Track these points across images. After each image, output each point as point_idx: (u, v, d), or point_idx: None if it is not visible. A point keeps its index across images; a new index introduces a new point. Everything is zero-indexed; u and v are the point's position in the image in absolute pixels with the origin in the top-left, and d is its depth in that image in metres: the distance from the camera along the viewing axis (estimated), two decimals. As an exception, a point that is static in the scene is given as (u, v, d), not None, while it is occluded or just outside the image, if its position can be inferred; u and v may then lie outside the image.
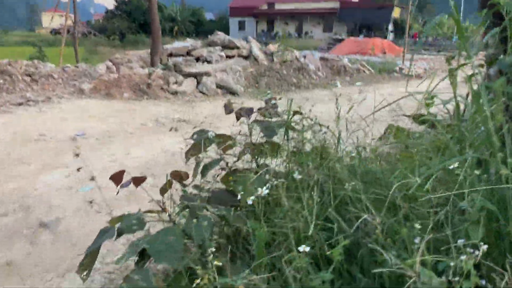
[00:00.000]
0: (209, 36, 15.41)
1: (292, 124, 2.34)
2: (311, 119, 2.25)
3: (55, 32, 49.33)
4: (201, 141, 2.55)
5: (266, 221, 1.88)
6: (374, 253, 1.71)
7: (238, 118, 2.50)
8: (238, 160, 2.46)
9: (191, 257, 1.81)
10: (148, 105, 9.94)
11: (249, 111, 2.41)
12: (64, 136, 7.01)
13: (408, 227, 1.40)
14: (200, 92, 11.37)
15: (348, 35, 43.06)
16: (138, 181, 2.35)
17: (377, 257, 1.64)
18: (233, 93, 11.83)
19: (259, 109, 2.47)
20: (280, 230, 1.69)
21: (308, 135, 2.34)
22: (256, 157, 2.44)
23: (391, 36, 44.95)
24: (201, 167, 2.39)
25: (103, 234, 2.31)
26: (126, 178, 5.40)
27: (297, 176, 1.77)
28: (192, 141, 2.58)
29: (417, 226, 1.34)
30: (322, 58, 16.21)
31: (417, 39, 44.00)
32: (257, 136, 2.51)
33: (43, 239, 3.84)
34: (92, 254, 2.31)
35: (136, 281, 1.86)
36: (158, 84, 11.07)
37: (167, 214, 2.20)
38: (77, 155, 2.30)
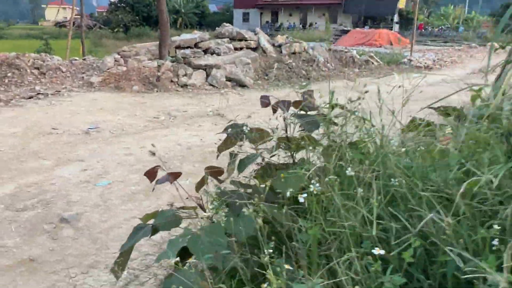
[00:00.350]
0: (217, 28, 15.28)
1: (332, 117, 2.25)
2: (353, 113, 2.15)
3: (60, 25, 49.20)
4: (233, 135, 2.47)
5: (314, 219, 1.81)
6: (433, 252, 1.64)
7: (274, 111, 2.41)
8: (273, 155, 2.38)
9: (237, 257, 1.74)
10: (158, 98, 9.86)
11: (287, 104, 2.32)
12: (76, 130, 6.95)
13: (485, 228, 1.32)
14: (210, 84, 11.27)
15: (353, 26, 42.74)
16: (173, 177, 2.26)
17: (437, 258, 1.57)
18: (242, 85, 11.72)
19: (295, 102, 2.38)
20: (333, 229, 1.61)
21: (348, 128, 2.25)
22: (293, 152, 2.36)
23: (396, 27, 44.60)
24: (237, 162, 2.31)
25: (138, 231, 2.24)
26: (144, 172, 5.33)
27: (350, 172, 1.69)
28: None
29: (496, 227, 1.26)
30: (330, 50, 16.06)
31: (422, 30, 43.67)
32: (292, 130, 2.43)
33: (65, 235, 3.78)
34: (126, 253, 2.24)
35: (179, 280, 1.79)
36: (167, 77, 10.97)
37: (206, 211, 2.12)
38: (153, 153, 2.21)
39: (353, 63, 15.74)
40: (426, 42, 34.21)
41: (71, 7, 23.28)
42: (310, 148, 2.24)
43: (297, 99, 2.62)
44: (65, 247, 3.60)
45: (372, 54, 17.53)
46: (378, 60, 17.17)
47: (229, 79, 11.71)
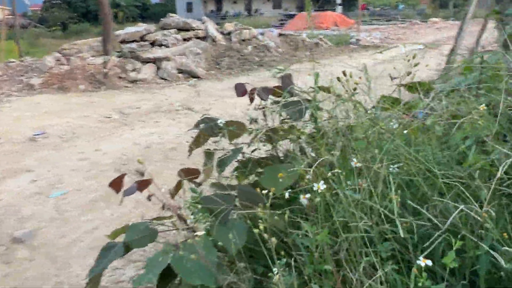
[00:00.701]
0: (161, 19, 14.68)
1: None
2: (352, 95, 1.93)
3: (-10, 26, 46.13)
4: (207, 130, 2.19)
5: (315, 221, 1.58)
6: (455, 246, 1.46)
7: (252, 100, 2.16)
8: (254, 150, 2.12)
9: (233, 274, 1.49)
10: (108, 96, 9.31)
11: (266, 91, 2.07)
12: (21, 137, 6.37)
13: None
14: (161, 78, 10.81)
15: (298, 10, 42.84)
16: (143, 185, 1.96)
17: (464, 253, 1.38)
18: (195, 76, 11.33)
19: (276, 87, 2.14)
20: (350, 234, 1.39)
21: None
22: (276, 143, 2.12)
23: (339, 9, 45.14)
24: (215, 161, 2.04)
25: (107, 251, 1.93)
26: (102, 176, 4.92)
27: (356, 164, 1.47)
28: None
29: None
30: (280, 34, 15.91)
31: (365, 10, 44.46)
32: (272, 119, 2.19)
33: (19, 256, 3.37)
34: (95, 278, 1.93)
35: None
36: (115, 73, 10.41)
37: (187, 221, 1.85)
38: (142, 173, 1.88)
39: (303, 46, 15.65)
40: (370, 21, 34.80)
41: (1, 7, 21.75)
42: (296, 138, 2.01)
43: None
44: (21, 271, 3.20)
45: (321, 37, 17.54)
46: (328, 42, 17.20)
47: (180, 71, 11.28)
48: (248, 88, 2.19)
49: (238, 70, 12.36)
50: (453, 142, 1.76)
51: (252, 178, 2.26)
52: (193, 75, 11.35)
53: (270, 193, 1.30)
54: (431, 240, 1.19)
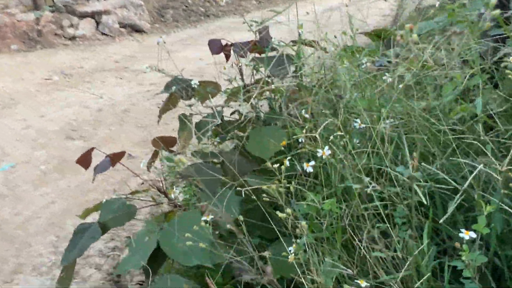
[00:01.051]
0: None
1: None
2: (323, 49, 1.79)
3: None
4: (178, 92, 2.00)
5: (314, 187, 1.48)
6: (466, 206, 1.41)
7: (227, 58, 1.96)
8: (234, 111, 1.96)
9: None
10: (45, 55, 8.59)
11: (245, 45, 1.87)
12: (-50, 107, 5.76)
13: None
14: (102, 33, 10.09)
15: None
16: (116, 158, 1.76)
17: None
18: (139, 30, 10.69)
19: (251, 42, 1.95)
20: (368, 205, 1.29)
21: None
22: (256, 103, 1.97)
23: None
24: (193, 126, 1.86)
25: (81, 234, 1.74)
26: (52, 145, 4.57)
27: (358, 126, 1.36)
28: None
29: None
30: (224, -17, 15.23)
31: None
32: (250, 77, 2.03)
33: (-31, 241, 3.09)
34: (70, 266, 1.75)
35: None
36: (50, 30, 9.58)
37: (171, 195, 1.68)
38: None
39: (249, -5, 15.14)
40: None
41: None
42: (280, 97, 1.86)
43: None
44: (-25, 257, 2.93)
45: (266, -16, 17.01)
46: (273, -11, 16.73)
47: (123, 26, 10.57)
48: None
49: (184, 22, 11.78)
50: (446, 91, 1.68)
51: (225, 144, 2.12)
52: (136, 29, 10.70)
53: (283, 167, 1.15)
54: (454, 201, 1.11)
